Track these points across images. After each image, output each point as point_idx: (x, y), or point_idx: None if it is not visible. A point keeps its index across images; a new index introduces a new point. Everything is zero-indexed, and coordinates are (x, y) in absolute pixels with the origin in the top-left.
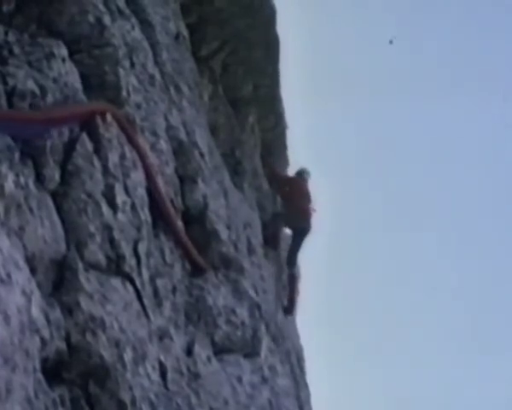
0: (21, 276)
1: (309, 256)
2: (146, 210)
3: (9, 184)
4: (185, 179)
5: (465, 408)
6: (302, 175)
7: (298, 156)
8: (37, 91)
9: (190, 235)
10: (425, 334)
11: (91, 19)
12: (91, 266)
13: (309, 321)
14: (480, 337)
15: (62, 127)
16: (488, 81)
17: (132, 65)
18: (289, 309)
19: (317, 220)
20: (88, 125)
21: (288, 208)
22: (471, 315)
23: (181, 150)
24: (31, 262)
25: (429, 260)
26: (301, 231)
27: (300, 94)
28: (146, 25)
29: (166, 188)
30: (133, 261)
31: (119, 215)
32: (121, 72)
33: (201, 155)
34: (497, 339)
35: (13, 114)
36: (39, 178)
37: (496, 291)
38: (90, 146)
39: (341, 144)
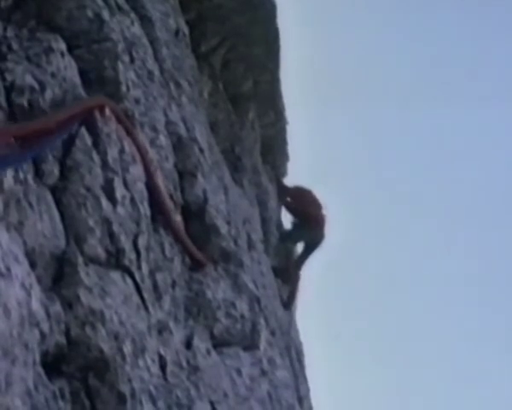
0: (21, 270)
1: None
2: (145, 204)
3: (8, 180)
4: (185, 174)
5: None
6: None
7: (298, 153)
8: (36, 86)
9: (190, 229)
10: (426, 333)
11: (90, 14)
12: (91, 260)
13: (309, 320)
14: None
15: (69, 129)
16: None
17: (132, 60)
18: (288, 304)
19: (329, 226)
20: (87, 119)
21: (302, 222)
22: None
23: (180, 145)
24: (30, 256)
25: (434, 261)
26: (315, 242)
27: (301, 90)
28: (145, 21)
29: (166, 183)
30: (133, 255)
31: (119, 209)
32: (120, 66)
33: (201, 150)
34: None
35: (23, 130)
36: (38, 174)
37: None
38: (89, 141)
39: (341, 142)
